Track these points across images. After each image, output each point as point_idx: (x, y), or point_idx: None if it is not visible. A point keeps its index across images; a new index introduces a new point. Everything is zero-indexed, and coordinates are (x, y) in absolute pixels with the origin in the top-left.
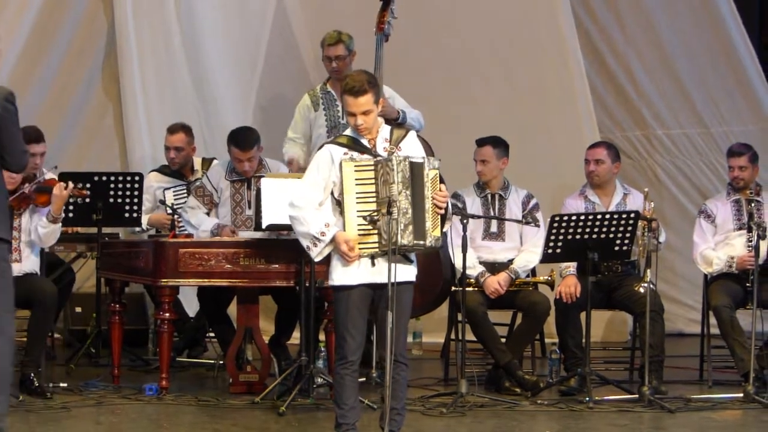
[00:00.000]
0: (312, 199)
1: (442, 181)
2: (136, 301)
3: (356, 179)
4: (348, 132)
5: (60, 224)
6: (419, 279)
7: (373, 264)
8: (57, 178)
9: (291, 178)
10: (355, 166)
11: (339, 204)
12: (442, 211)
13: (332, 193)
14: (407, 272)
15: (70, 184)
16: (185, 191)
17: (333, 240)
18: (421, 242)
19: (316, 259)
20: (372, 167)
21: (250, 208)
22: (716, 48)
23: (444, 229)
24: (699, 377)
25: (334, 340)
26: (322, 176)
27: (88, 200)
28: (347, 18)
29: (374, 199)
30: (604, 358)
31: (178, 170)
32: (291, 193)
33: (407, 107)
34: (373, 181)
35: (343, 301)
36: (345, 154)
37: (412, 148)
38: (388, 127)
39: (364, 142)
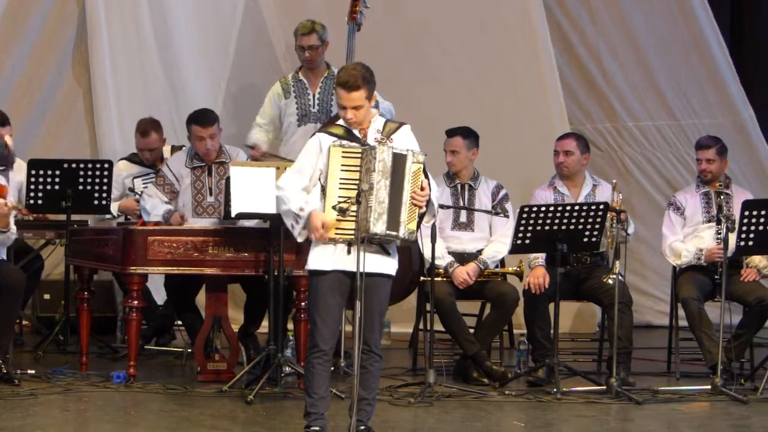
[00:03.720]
0: (296, 182)
1: (426, 175)
2: (104, 288)
3: (342, 165)
4: (341, 122)
5: (11, 233)
6: None
7: (349, 252)
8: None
9: (260, 166)
10: (343, 151)
11: (323, 190)
12: (422, 210)
13: (320, 180)
14: (386, 265)
15: (10, 201)
16: (154, 179)
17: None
18: (394, 233)
19: (300, 239)
20: (359, 155)
21: (211, 194)
22: (688, 40)
23: (427, 223)
24: (667, 369)
25: (303, 329)
26: (309, 163)
27: (57, 186)
28: (319, 7)
29: (357, 187)
30: (572, 349)
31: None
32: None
33: (379, 98)
34: (358, 168)
35: (317, 286)
36: (335, 142)
37: (404, 141)
38: (383, 119)
39: (356, 132)
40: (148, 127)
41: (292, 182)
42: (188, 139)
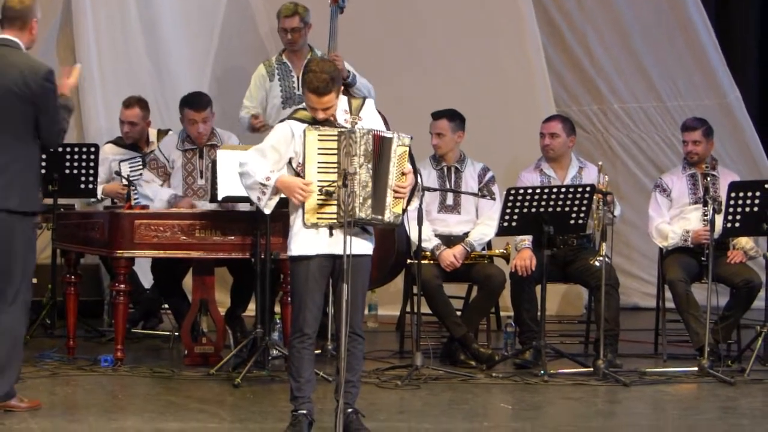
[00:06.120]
0: (259, 159)
1: (412, 158)
2: (91, 272)
3: (319, 148)
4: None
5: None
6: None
7: (331, 234)
8: None
9: (246, 149)
10: (319, 135)
11: (298, 176)
12: (401, 198)
13: (290, 163)
14: (364, 245)
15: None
16: (141, 163)
17: (278, 188)
18: (379, 217)
19: (267, 210)
20: (335, 138)
21: (202, 177)
22: (673, 22)
23: (411, 207)
24: (654, 351)
25: (289, 313)
26: (276, 148)
27: (43, 170)
28: None
29: (335, 170)
30: (559, 331)
31: (133, 142)
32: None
33: (357, 75)
34: (335, 151)
35: (301, 272)
36: (309, 125)
37: (370, 116)
38: (345, 98)
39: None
40: (132, 100)
41: (255, 158)
42: (181, 122)
